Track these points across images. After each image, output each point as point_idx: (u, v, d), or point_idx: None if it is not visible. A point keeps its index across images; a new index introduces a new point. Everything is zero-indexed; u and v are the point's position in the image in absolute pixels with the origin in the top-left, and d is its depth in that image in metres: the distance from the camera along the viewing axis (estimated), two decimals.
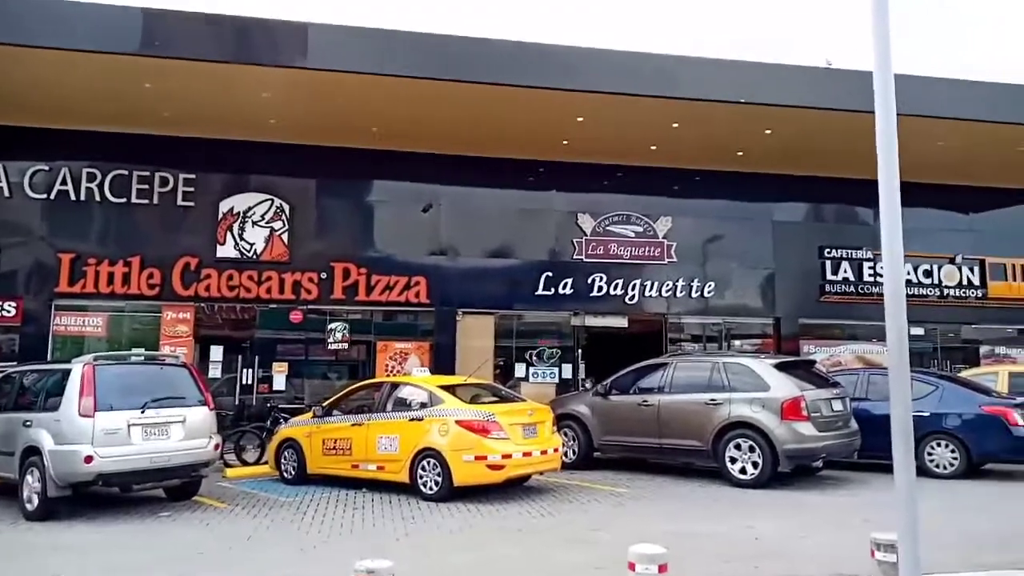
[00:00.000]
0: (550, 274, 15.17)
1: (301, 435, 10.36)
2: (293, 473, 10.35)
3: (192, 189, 14.06)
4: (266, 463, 11.10)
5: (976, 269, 16.95)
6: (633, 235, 15.74)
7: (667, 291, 15.69)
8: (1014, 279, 17.12)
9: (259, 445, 11.86)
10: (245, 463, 11.72)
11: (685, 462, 10.94)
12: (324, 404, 10.56)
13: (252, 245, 14.11)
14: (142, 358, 10.39)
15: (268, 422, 12.13)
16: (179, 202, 13.99)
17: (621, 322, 15.65)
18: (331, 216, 14.59)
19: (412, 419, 9.32)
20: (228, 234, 14.08)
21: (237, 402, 13.87)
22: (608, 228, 15.64)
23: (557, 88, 12.06)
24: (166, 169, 13.97)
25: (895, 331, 4.87)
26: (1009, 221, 17.36)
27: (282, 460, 10.52)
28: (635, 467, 11.44)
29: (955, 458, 10.57)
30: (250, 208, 14.21)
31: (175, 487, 9.01)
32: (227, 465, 11.37)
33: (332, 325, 14.30)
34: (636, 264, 15.62)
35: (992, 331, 17.21)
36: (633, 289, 15.52)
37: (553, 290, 15.14)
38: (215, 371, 13.95)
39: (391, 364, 14.25)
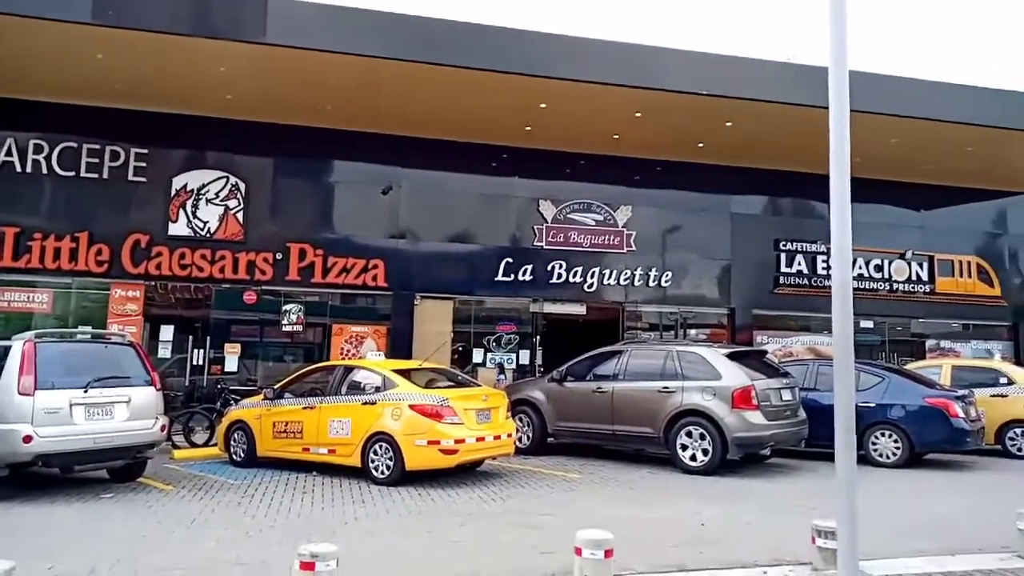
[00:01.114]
0: (510, 260, 15.15)
1: (251, 417, 10.21)
2: (242, 456, 10.20)
3: (144, 164, 13.71)
4: (215, 445, 10.94)
5: (925, 265, 17.42)
6: (593, 223, 15.80)
7: (625, 280, 15.79)
8: (960, 275, 17.63)
9: (208, 427, 11.68)
10: (194, 445, 11.52)
11: (637, 449, 11.06)
12: (275, 386, 10.41)
13: (206, 223, 13.82)
14: (89, 336, 10.15)
15: (218, 404, 11.95)
16: (130, 177, 13.64)
17: (579, 309, 15.73)
18: (288, 196, 14.36)
19: (365, 403, 9.24)
20: (181, 211, 13.77)
21: (187, 383, 13.62)
22: (569, 216, 15.67)
23: (520, 73, 12.01)
24: (117, 143, 13.59)
25: (840, 323, 4.95)
26: (957, 219, 17.85)
27: (231, 442, 10.37)
28: (588, 453, 11.52)
29: (898, 448, 10.87)
30: (204, 185, 13.91)
31: (119, 469, 8.80)
32: (175, 447, 11.18)
33: (287, 307, 14.11)
34: (596, 252, 15.69)
35: (938, 325, 17.71)
36: (592, 277, 15.59)
37: (513, 276, 15.14)
38: (165, 351, 13.69)
39: (347, 347, 14.12)
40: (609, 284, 15.70)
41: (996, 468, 11.14)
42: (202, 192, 13.90)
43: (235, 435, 10.37)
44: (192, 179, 13.90)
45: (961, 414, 10.74)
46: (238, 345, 13.96)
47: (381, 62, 11.58)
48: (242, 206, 14.01)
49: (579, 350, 11.95)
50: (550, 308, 15.55)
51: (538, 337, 15.46)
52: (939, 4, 49.93)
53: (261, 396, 10.45)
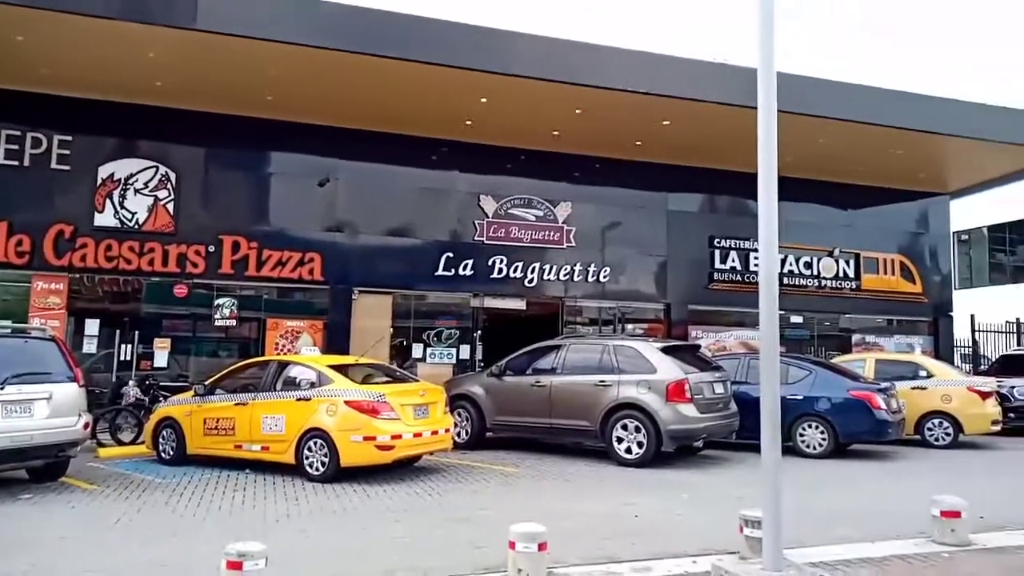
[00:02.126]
0: (451, 255, 15.09)
1: (181, 414, 9.94)
2: (172, 454, 9.92)
3: (68, 152, 13.15)
4: (143, 443, 10.60)
5: (851, 262, 18.06)
6: (534, 219, 15.85)
7: (565, 275, 15.91)
8: (885, 273, 18.34)
9: (136, 424, 11.30)
10: (121, 443, 11.16)
11: (575, 442, 11.16)
12: (206, 383, 10.15)
13: (134, 214, 13.36)
14: (7, 330, 9.68)
15: (147, 400, 11.58)
16: (53, 165, 13.07)
17: (520, 304, 15.77)
18: (221, 187, 13.97)
19: (299, 399, 9.09)
20: (107, 201, 13.27)
21: (114, 379, 13.16)
22: (510, 211, 15.69)
23: (459, 67, 11.94)
24: (39, 129, 13.00)
25: (767, 318, 5.11)
26: (882, 218, 18.55)
27: (160, 440, 10.07)
28: (526, 447, 11.59)
29: (824, 439, 11.25)
30: (132, 175, 13.43)
31: (39, 468, 8.45)
32: (100, 445, 10.80)
33: (219, 301, 13.74)
34: (536, 248, 15.76)
35: (864, 321, 18.39)
36: (532, 272, 15.64)
37: (453, 271, 15.08)
38: (91, 346, 13.20)
39: (282, 342, 13.84)
40: (549, 279, 15.79)
41: (915, 457, 11.63)
42: (130, 182, 13.42)
43: (164, 432, 10.08)
44: (119, 168, 13.40)
45: (883, 406, 11.18)
46: (168, 340, 13.53)
47: (319, 52, 11.36)
48: (172, 197, 13.58)
49: (519, 345, 11.99)
50: (491, 303, 15.54)
51: (479, 332, 15.45)
52: (874, 10, 51.71)
53: (191, 392, 10.18)
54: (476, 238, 15.33)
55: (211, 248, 13.58)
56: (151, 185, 13.52)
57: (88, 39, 11.03)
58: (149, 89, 12.74)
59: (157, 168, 13.57)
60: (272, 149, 14.39)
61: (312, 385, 9.20)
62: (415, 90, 12.82)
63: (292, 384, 9.42)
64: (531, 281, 15.63)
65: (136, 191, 13.43)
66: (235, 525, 6.68)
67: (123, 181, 13.36)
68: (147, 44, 11.18)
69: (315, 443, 8.79)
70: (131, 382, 12.18)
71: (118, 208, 13.29)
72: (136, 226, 13.33)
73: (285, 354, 13.07)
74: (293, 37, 11.11)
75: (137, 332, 13.43)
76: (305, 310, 14.42)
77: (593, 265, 16.09)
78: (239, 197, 14.12)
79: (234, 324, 13.88)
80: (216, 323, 13.77)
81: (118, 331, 13.39)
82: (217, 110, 13.54)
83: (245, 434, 9.32)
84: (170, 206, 13.54)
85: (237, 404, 9.51)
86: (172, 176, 13.62)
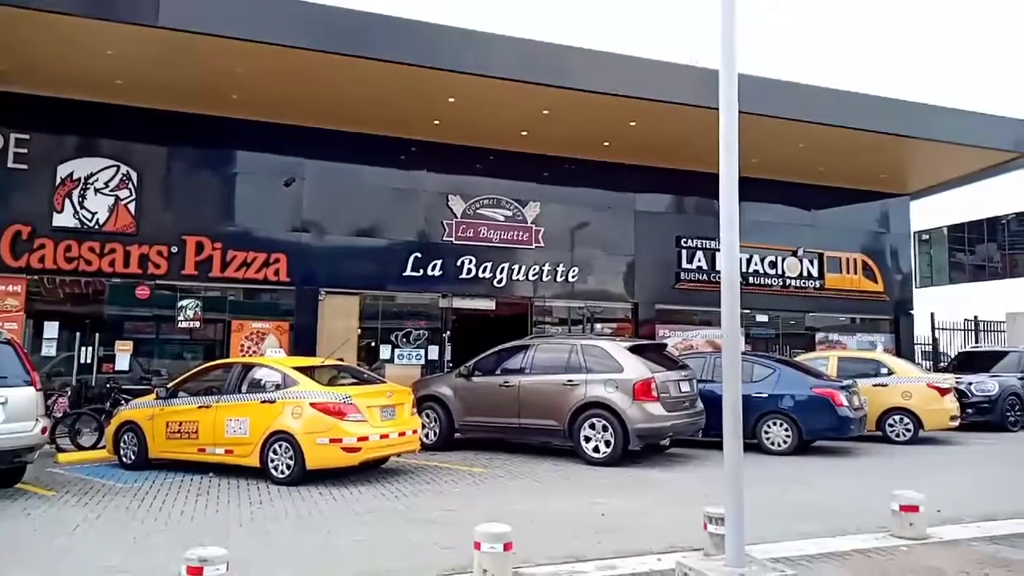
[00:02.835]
0: (419, 255, 15.03)
1: (142, 418, 9.76)
2: (133, 458, 9.73)
3: (25, 151, 12.87)
4: (104, 448, 10.39)
5: (815, 262, 18.34)
6: (503, 219, 15.86)
7: (534, 275, 15.94)
8: (847, 272, 18.66)
9: (97, 428, 11.08)
10: (81, 448, 10.93)
11: (543, 442, 11.17)
12: (168, 385, 9.98)
13: (94, 214, 13.10)
14: None
15: (108, 404, 11.36)
16: (10, 164, 12.80)
17: (489, 305, 15.76)
18: (184, 186, 13.76)
19: (264, 401, 8.98)
20: (67, 201, 13.00)
21: (75, 382, 12.90)
22: (479, 211, 15.68)
23: (427, 66, 11.90)
24: None
25: (729, 317, 5.16)
26: (845, 218, 18.87)
27: (121, 444, 9.88)
28: (495, 447, 11.58)
29: (788, 436, 11.41)
30: (92, 174, 13.18)
31: None
32: (59, 450, 10.58)
33: (183, 302, 13.54)
34: (505, 248, 15.76)
35: (827, 319, 18.69)
36: (501, 272, 15.65)
37: (422, 271, 15.02)
38: (50, 349, 12.92)
39: (247, 344, 13.68)
40: (518, 279, 15.81)
41: (877, 453, 11.84)
42: (90, 181, 13.16)
43: (125, 436, 9.88)
44: (79, 167, 13.14)
45: (845, 403, 11.37)
46: (130, 343, 13.30)
47: (284, 50, 11.25)
48: (134, 196, 13.34)
49: (489, 345, 11.98)
50: (460, 303, 15.52)
51: (448, 333, 15.40)
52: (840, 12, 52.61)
53: (153, 395, 10.01)
54: (445, 238, 15.29)
55: (174, 249, 13.37)
56: (112, 185, 13.27)
57: (46, 35, 10.80)
58: (109, 87, 12.50)
59: (118, 167, 13.33)
60: (237, 148, 14.22)
61: (277, 387, 9.09)
62: (382, 89, 12.75)
63: (257, 386, 9.30)
64: (500, 281, 15.63)
65: (96, 191, 13.17)
66: (197, 530, 6.57)
67: (83, 180, 13.10)
68: (105, 42, 10.97)
69: (280, 446, 8.68)
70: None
71: (78, 208, 13.03)
72: (96, 226, 13.08)
73: (250, 356, 12.93)
74: (258, 35, 10.97)
75: (98, 334, 13.18)
76: (271, 311, 14.27)
77: (562, 265, 16.14)
78: (203, 197, 13.91)
79: (198, 326, 13.68)
80: (180, 325, 13.57)
81: (78, 333, 13.13)
82: (180, 109, 13.34)
83: (208, 437, 9.18)
84: (131, 206, 13.31)
85: (200, 407, 9.37)
86: (134, 175, 13.39)
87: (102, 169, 13.23)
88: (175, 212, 13.56)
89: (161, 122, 13.43)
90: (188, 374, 10.37)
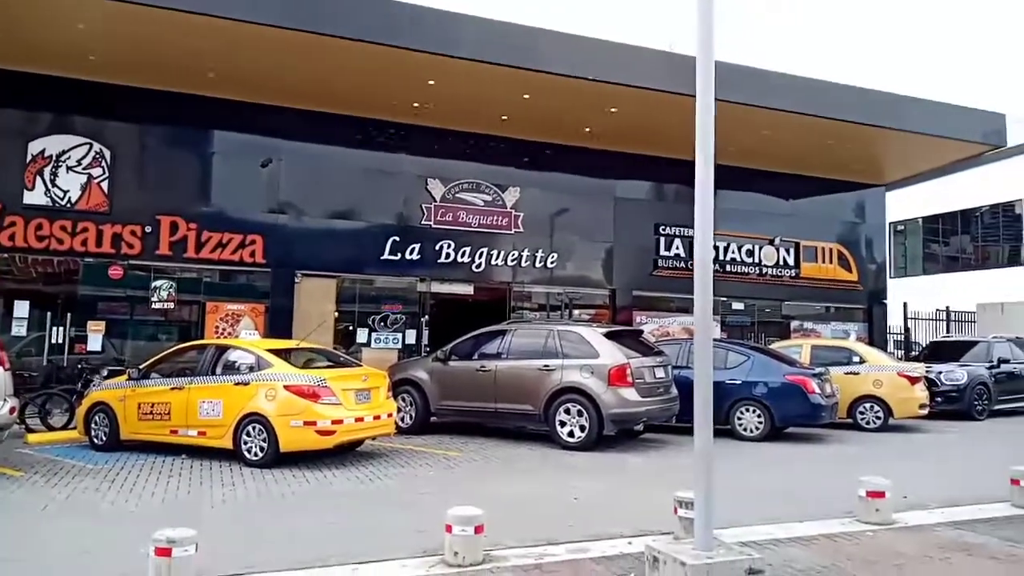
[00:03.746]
0: (397, 239, 14.96)
1: (114, 399, 9.66)
2: (104, 439, 9.65)
3: None
4: (75, 429, 10.28)
5: (791, 251, 18.50)
6: (482, 204, 15.81)
7: (513, 260, 15.92)
8: (823, 261, 18.85)
9: (68, 409, 10.96)
10: (51, 428, 10.81)
11: (519, 426, 11.22)
12: (141, 366, 9.89)
13: (66, 192, 12.88)
14: None
15: (79, 385, 11.22)
16: None
17: (467, 289, 15.74)
18: (159, 165, 13.56)
19: (238, 383, 8.92)
20: (38, 179, 12.78)
21: (46, 363, 12.73)
22: (458, 195, 15.61)
23: (406, 48, 11.79)
24: None
25: (701, 304, 5.19)
26: (821, 208, 19.03)
27: (92, 425, 9.78)
28: (471, 432, 11.61)
29: (761, 422, 11.54)
30: (65, 152, 12.95)
31: None
32: (29, 430, 10.45)
33: (157, 283, 13.38)
34: (484, 232, 15.72)
35: (802, 307, 18.88)
36: (480, 257, 15.62)
37: (400, 255, 14.95)
38: (20, 329, 12.73)
39: (222, 326, 13.56)
40: (497, 264, 15.79)
41: (847, 440, 12.02)
42: (62, 159, 12.93)
43: (96, 417, 9.79)
44: (51, 144, 12.91)
45: (817, 390, 11.52)
46: (102, 323, 13.13)
47: (261, 29, 11.08)
48: (107, 175, 13.13)
49: (467, 330, 11.97)
50: (438, 288, 15.48)
51: (426, 317, 15.37)
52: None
53: (125, 376, 9.91)
54: (423, 222, 15.22)
55: (148, 229, 13.20)
56: (84, 163, 13.06)
57: (16, 8, 10.55)
58: (83, 63, 12.26)
59: (91, 145, 13.11)
60: (213, 127, 14.02)
61: (251, 369, 9.04)
62: (362, 71, 12.63)
63: (231, 368, 9.23)
64: (479, 266, 15.61)
65: (69, 168, 12.95)
66: (167, 511, 6.54)
67: (55, 158, 12.87)
68: (76, 15, 10.74)
69: (254, 428, 8.64)
70: (82, 365, 11.79)
71: (49, 186, 12.81)
72: (69, 205, 12.87)
73: (225, 338, 12.82)
74: (233, 12, 10.80)
75: (70, 314, 13.00)
76: (246, 293, 14.13)
77: (541, 251, 16.14)
78: (178, 176, 13.72)
79: (172, 307, 13.54)
80: (154, 306, 13.42)
81: (50, 313, 12.94)
82: (155, 86, 13.12)
83: (181, 419, 9.11)
84: (104, 185, 13.10)
85: (173, 388, 9.29)
86: (107, 153, 13.18)
87: (75, 147, 13.00)
88: (149, 191, 13.37)
89: (135, 99, 13.21)
90: (161, 355, 10.27)
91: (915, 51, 55.87)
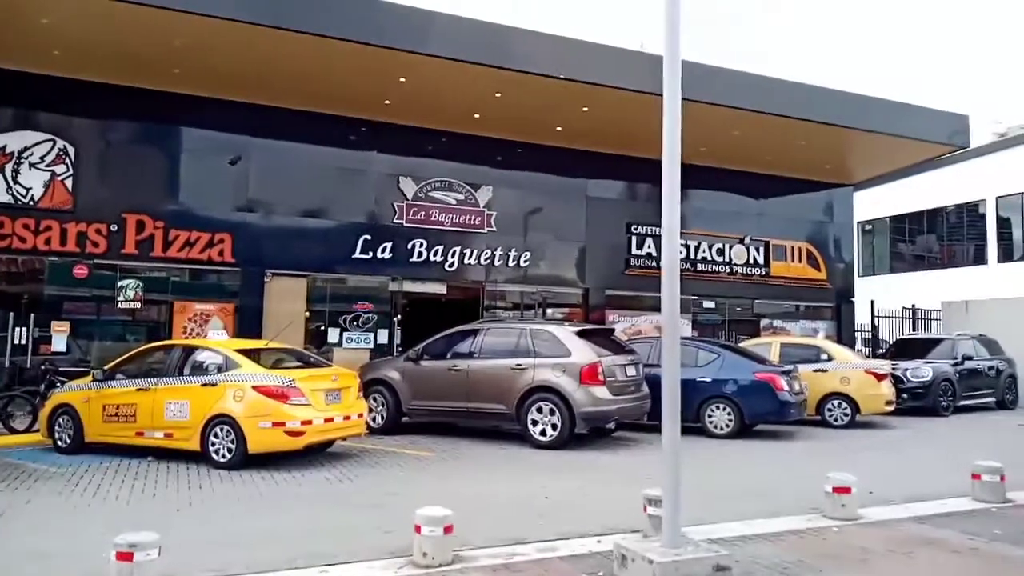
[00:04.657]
0: (369, 237, 14.86)
1: (78, 400, 9.48)
2: (68, 442, 9.48)
3: None
4: (38, 431, 10.08)
5: (761, 249, 18.70)
6: (455, 202, 15.77)
7: (486, 259, 15.90)
8: (792, 260, 19.07)
9: (31, 411, 10.74)
10: (13, 431, 10.61)
11: (491, 425, 11.21)
12: (106, 367, 9.72)
13: (28, 190, 12.63)
14: None
15: (42, 386, 11.00)
16: None
17: (440, 288, 15.68)
18: (124, 163, 13.33)
19: (205, 384, 8.80)
20: None
21: (8, 364, 12.46)
22: (430, 194, 15.55)
23: (376, 45, 11.72)
24: None
25: (669, 302, 5.23)
26: (791, 207, 19.26)
27: (56, 427, 9.60)
28: (443, 431, 11.57)
29: (731, 420, 11.64)
30: (27, 148, 12.70)
31: None
32: None
33: (123, 283, 13.15)
34: (457, 231, 15.68)
35: (772, 306, 19.09)
36: (453, 256, 15.57)
37: (371, 254, 14.86)
38: None
39: (190, 326, 13.37)
40: (470, 263, 15.75)
41: (815, 437, 12.17)
42: (24, 155, 12.67)
43: (60, 419, 9.61)
44: (12, 140, 12.65)
45: (786, 388, 11.65)
46: (66, 323, 12.88)
47: (227, 24, 10.94)
48: (71, 172, 12.89)
49: (440, 329, 11.93)
50: (410, 287, 15.41)
51: (398, 316, 15.29)
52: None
53: (90, 377, 9.73)
54: (395, 220, 15.14)
55: (114, 227, 12.98)
56: (48, 159, 12.80)
57: None
58: (46, 57, 12.02)
59: (54, 141, 12.86)
60: (181, 124, 13.82)
61: (219, 370, 8.92)
62: (332, 67, 12.53)
63: (198, 369, 9.10)
64: (452, 265, 15.56)
65: (31, 165, 12.70)
66: (132, 515, 6.43)
67: (16, 155, 12.61)
68: (40, 9, 10.52)
69: (222, 429, 8.53)
70: (45, 366, 11.52)
71: (11, 183, 12.55)
72: (31, 202, 12.61)
73: (193, 338, 12.66)
74: (200, 8, 10.65)
75: (33, 315, 12.73)
76: (215, 293, 13.95)
77: (514, 250, 16.13)
78: (144, 174, 13.51)
79: (139, 307, 13.32)
80: (120, 306, 13.20)
81: (12, 314, 12.66)
82: (121, 82, 12.92)
83: (147, 421, 8.97)
84: (68, 182, 12.86)
85: (139, 389, 9.14)
86: (71, 150, 12.94)
87: (37, 143, 12.75)
88: (115, 189, 13.14)
89: (100, 95, 12.98)
90: (126, 356, 10.10)
91: (891, 52, 56.79)
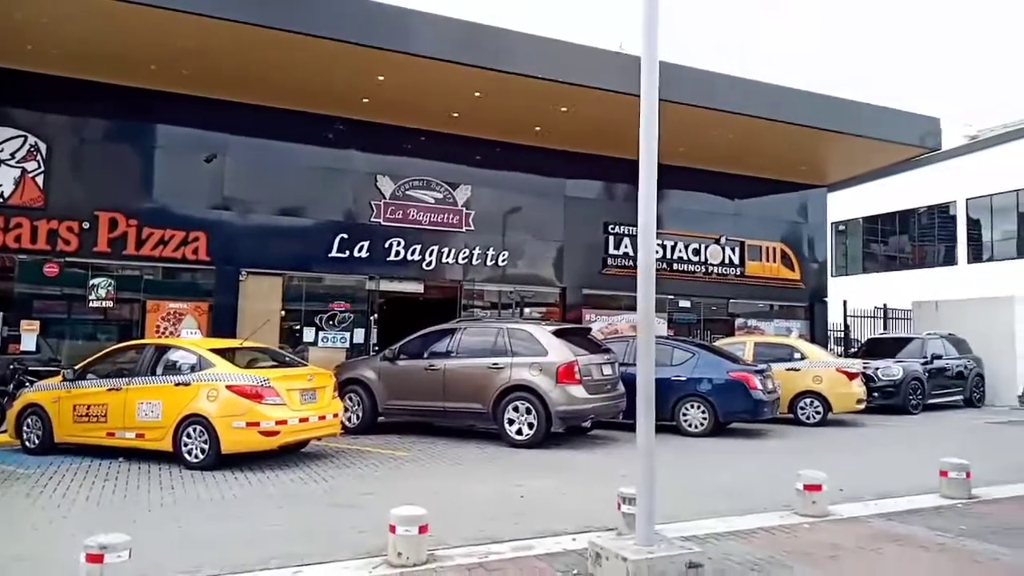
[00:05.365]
0: (346, 236, 14.76)
1: (47, 400, 9.35)
2: (37, 442, 9.35)
3: None
4: (5, 432, 9.92)
5: (737, 249, 18.86)
6: (433, 201, 15.72)
7: (464, 258, 15.87)
8: (767, 260, 19.26)
9: None
10: None
11: (468, 425, 11.22)
12: (76, 367, 9.59)
13: None
14: None
15: (11, 386, 10.82)
16: None
17: (417, 288, 15.63)
18: (97, 160, 13.12)
19: (178, 384, 8.71)
20: None
21: None
22: (408, 192, 15.49)
23: (354, 43, 11.64)
24: None
25: (644, 301, 5.27)
26: (766, 208, 19.43)
27: (24, 428, 9.47)
28: (419, 431, 11.56)
29: (705, 418, 11.75)
30: None
31: None
32: None
33: (95, 281, 12.96)
34: (435, 230, 15.62)
35: (747, 305, 19.26)
36: (431, 255, 15.52)
37: (348, 253, 14.76)
38: None
39: (164, 325, 13.21)
40: (448, 263, 15.71)
41: (788, 435, 12.33)
42: None
43: (29, 420, 9.49)
44: None
45: (760, 386, 11.78)
46: (37, 322, 12.65)
47: (207, 21, 10.80)
48: (42, 169, 12.67)
49: (417, 328, 11.90)
50: (387, 286, 15.33)
51: (375, 315, 15.21)
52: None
53: (60, 377, 9.59)
54: (373, 219, 15.06)
55: (86, 225, 12.77)
56: (18, 156, 12.57)
57: None
58: (18, 52, 11.79)
59: (25, 138, 12.63)
60: (155, 121, 13.61)
61: (192, 369, 8.84)
62: (309, 65, 12.42)
63: (171, 368, 9.02)
64: (429, 264, 15.52)
65: (1, 162, 12.46)
66: (103, 517, 6.35)
67: None
68: (11, 3, 10.33)
69: (194, 429, 8.46)
70: (14, 366, 11.28)
71: None
72: (1, 199, 12.38)
73: (166, 337, 12.52)
74: (175, 3, 10.50)
75: (3, 313, 12.51)
76: (189, 291, 13.76)
77: (492, 249, 16.12)
78: (118, 171, 13.30)
79: (111, 306, 13.13)
80: (91, 304, 13.00)
81: None
82: (95, 78, 12.70)
83: (118, 421, 8.86)
84: (40, 179, 12.64)
85: (110, 389, 9.03)
86: (42, 147, 12.71)
87: (8, 139, 12.51)
88: (87, 186, 12.94)
89: (73, 91, 12.77)
90: (97, 355, 9.97)
91: (864, 56, 57.51)
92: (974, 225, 26.71)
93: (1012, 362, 17.86)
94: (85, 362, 9.81)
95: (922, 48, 57.16)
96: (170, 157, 13.59)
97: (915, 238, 29.18)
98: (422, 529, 5.07)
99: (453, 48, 12.33)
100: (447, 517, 6.00)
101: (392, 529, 5.04)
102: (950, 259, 27.10)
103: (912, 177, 26.28)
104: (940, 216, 27.88)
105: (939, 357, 16.66)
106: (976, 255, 26.36)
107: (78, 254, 12.78)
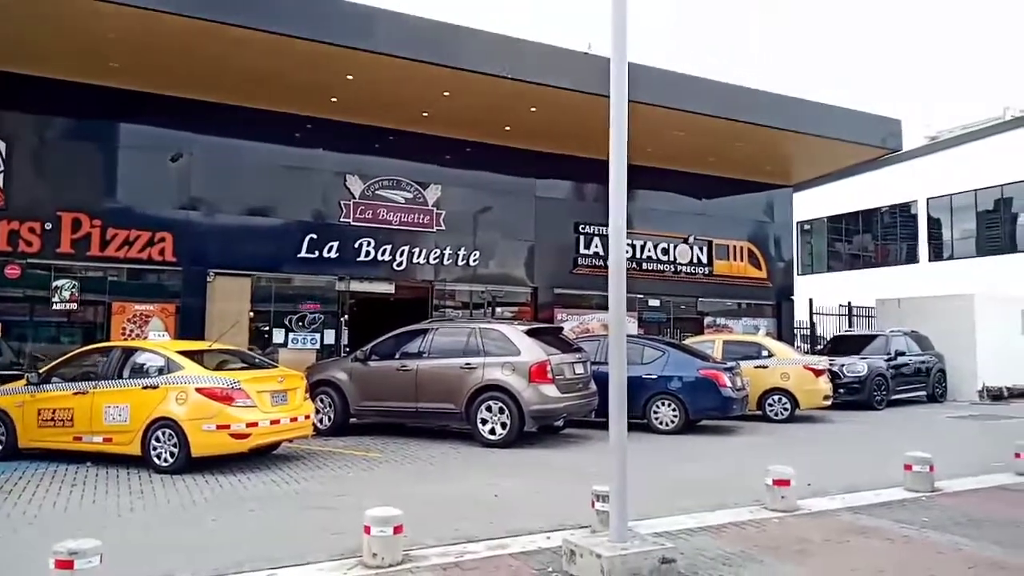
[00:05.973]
0: (315, 236, 14.65)
1: (11, 405, 9.17)
2: (1, 448, 9.14)
3: None
4: None
5: (705, 249, 19.09)
6: (403, 201, 15.66)
7: (435, 258, 15.84)
8: (734, 259, 19.51)
9: None
10: None
11: (441, 425, 11.22)
12: (40, 370, 9.40)
13: None
14: None
15: None
16: None
17: (388, 288, 15.57)
18: (60, 159, 12.85)
19: (146, 387, 8.59)
20: None
21: None
22: (378, 192, 15.41)
23: (321, 41, 11.56)
24: None
25: (615, 300, 5.33)
26: (733, 208, 19.69)
27: None
28: (392, 432, 11.53)
29: (676, 416, 11.89)
30: None
31: None
32: None
33: (58, 283, 12.70)
34: (405, 230, 15.57)
35: (715, 304, 19.50)
36: (401, 255, 15.46)
37: (318, 253, 14.65)
38: None
39: (130, 327, 12.98)
40: (419, 263, 15.67)
41: (756, 432, 12.52)
42: None
43: None
44: None
45: (729, 384, 11.95)
46: None
47: (170, 18, 10.65)
48: (3, 168, 12.37)
49: (388, 329, 11.84)
50: (357, 286, 15.25)
51: (345, 316, 15.12)
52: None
53: (23, 381, 9.40)
54: (342, 219, 14.97)
55: (48, 225, 12.51)
56: None
57: None
58: None
59: None
60: (119, 120, 13.37)
61: (160, 372, 8.72)
62: (276, 63, 12.30)
63: (138, 371, 8.89)
64: (400, 264, 15.46)
65: None
66: (71, 522, 6.25)
67: None
68: None
69: (163, 433, 8.35)
70: None
71: None
72: None
73: (133, 340, 12.32)
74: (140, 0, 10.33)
75: None
76: (155, 293, 13.55)
77: (463, 249, 16.11)
78: (81, 171, 13.04)
79: (76, 308, 12.88)
80: (55, 307, 12.73)
81: None
82: (55, 75, 12.44)
83: (85, 425, 8.71)
84: (0, 179, 12.36)
85: (76, 393, 8.87)
86: (2, 146, 12.42)
87: None
88: (50, 186, 12.67)
89: (34, 89, 12.50)
90: (62, 359, 9.78)
91: (827, 57, 58.50)
92: (935, 224, 27.34)
93: (972, 358, 18.31)
94: (50, 365, 9.62)
95: (883, 51, 58.35)
96: (135, 156, 13.36)
97: (878, 237, 29.78)
98: (397, 530, 5.07)
99: (421, 47, 12.30)
100: (422, 517, 6.00)
101: (367, 530, 5.04)
102: (912, 257, 27.71)
103: (875, 177, 26.84)
104: (902, 215, 28.49)
105: (902, 354, 17.02)
106: (937, 253, 26.99)
107: (40, 255, 12.51)
